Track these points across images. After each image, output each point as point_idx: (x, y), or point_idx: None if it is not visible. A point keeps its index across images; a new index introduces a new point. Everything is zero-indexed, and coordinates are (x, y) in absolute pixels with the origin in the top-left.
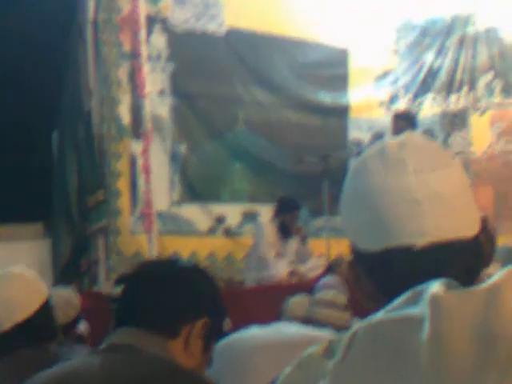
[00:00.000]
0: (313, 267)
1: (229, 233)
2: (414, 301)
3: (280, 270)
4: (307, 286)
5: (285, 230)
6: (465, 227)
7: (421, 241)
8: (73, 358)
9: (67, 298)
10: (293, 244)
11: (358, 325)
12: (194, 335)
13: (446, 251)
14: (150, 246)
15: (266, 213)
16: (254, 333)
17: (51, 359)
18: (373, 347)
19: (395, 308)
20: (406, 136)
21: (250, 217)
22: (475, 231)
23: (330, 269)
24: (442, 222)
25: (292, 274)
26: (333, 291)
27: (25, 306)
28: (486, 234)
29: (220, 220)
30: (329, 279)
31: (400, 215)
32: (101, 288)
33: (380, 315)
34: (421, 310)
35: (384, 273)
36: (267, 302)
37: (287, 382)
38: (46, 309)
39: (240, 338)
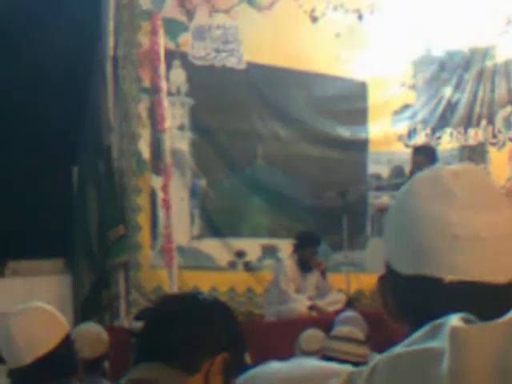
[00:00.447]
0: (332, 302)
1: (248, 267)
2: (433, 334)
3: (300, 304)
4: (327, 321)
5: (304, 265)
6: (500, 272)
7: (450, 277)
8: None
9: (96, 334)
10: (312, 279)
11: (378, 357)
12: (214, 371)
13: (475, 291)
14: (170, 280)
15: (285, 247)
16: (275, 367)
17: None
18: (393, 379)
19: (415, 341)
20: (463, 167)
21: (269, 251)
22: (507, 279)
23: (350, 303)
24: (476, 263)
25: (312, 308)
26: (349, 326)
27: (46, 341)
28: None
29: (240, 255)
30: (348, 314)
31: (436, 246)
32: (121, 323)
33: (400, 348)
34: (440, 343)
35: (408, 297)
36: (287, 337)
37: None
38: (66, 343)
39: (261, 372)
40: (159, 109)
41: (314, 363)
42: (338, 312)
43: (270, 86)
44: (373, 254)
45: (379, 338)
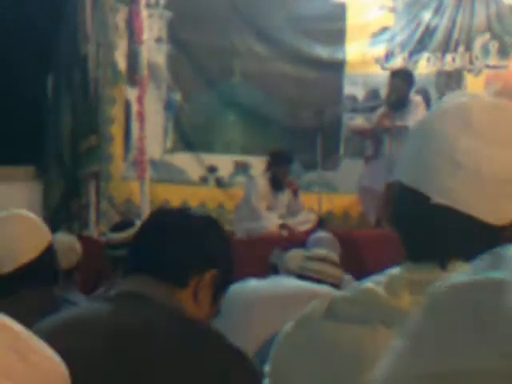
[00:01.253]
0: (303, 221)
1: (220, 183)
2: (496, 265)
3: (271, 222)
4: (297, 240)
5: (276, 183)
6: (489, 212)
7: (439, 199)
8: (77, 302)
9: (70, 244)
10: (284, 197)
11: (436, 286)
12: (202, 286)
13: (458, 222)
14: (141, 192)
15: (258, 165)
16: (254, 285)
17: (54, 302)
18: (457, 309)
19: (476, 271)
20: (495, 102)
21: (241, 168)
22: (501, 222)
23: (321, 223)
24: (467, 195)
25: (282, 227)
26: (324, 248)
27: (29, 248)
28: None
29: (212, 170)
30: (321, 234)
31: (436, 166)
32: (90, 232)
33: (462, 277)
34: (506, 273)
35: (401, 207)
36: (257, 254)
37: (288, 339)
38: (50, 252)
39: (240, 289)
40: (137, 20)
41: (293, 282)
42: (308, 232)
43: (250, 3)
44: (345, 175)
45: (350, 259)
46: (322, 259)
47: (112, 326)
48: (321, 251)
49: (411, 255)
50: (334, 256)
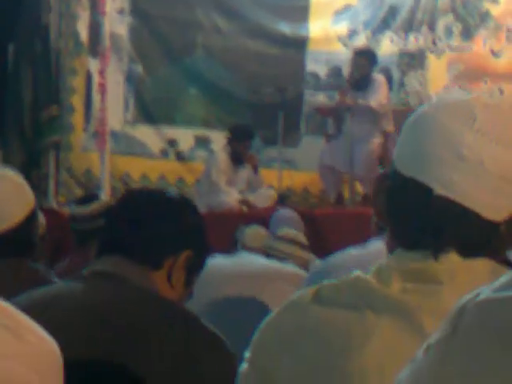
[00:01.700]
0: (263, 197)
1: (180, 157)
2: None
3: (230, 197)
4: (257, 216)
5: (237, 158)
6: (489, 207)
7: (441, 190)
8: (50, 277)
9: None
10: (244, 173)
11: (466, 298)
12: (176, 267)
13: (459, 215)
14: (101, 164)
15: (218, 139)
16: (220, 263)
17: (30, 275)
18: (488, 324)
19: (502, 287)
20: (497, 100)
21: (202, 142)
22: (498, 218)
23: (281, 199)
24: (470, 189)
25: (242, 202)
26: (292, 228)
27: (12, 214)
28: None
29: (172, 143)
30: (285, 212)
31: (439, 159)
32: (50, 203)
33: (492, 292)
34: None
35: (400, 197)
36: (218, 229)
37: (273, 324)
38: (32, 220)
39: (213, 268)
40: None
41: (260, 261)
42: (268, 208)
43: None
44: (305, 153)
45: (311, 237)
46: (292, 240)
47: (84, 306)
48: (290, 232)
49: (404, 244)
50: (303, 238)
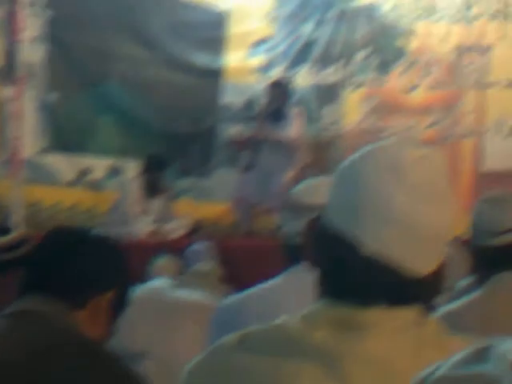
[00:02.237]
0: (176, 227)
1: (93, 186)
2: (481, 358)
3: (143, 227)
4: (170, 246)
5: (151, 188)
6: (419, 264)
7: (368, 247)
8: None
9: None
10: (157, 203)
11: (425, 373)
12: (100, 306)
13: (386, 271)
14: (13, 192)
15: (132, 169)
16: (141, 295)
17: None
18: None
19: (459, 364)
20: (426, 152)
21: (115, 171)
22: (424, 272)
23: (194, 230)
24: (400, 247)
25: (155, 232)
26: (207, 261)
27: None
28: (437, 277)
29: (85, 172)
30: (200, 246)
31: (371, 217)
32: None
33: (446, 370)
34: (495, 368)
35: (328, 248)
36: (129, 259)
37: (198, 368)
38: None
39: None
40: (16, 18)
41: (178, 293)
42: (181, 238)
43: (130, 6)
44: (219, 183)
45: (223, 268)
46: (206, 275)
47: (7, 344)
48: (204, 266)
49: (332, 292)
50: (218, 271)
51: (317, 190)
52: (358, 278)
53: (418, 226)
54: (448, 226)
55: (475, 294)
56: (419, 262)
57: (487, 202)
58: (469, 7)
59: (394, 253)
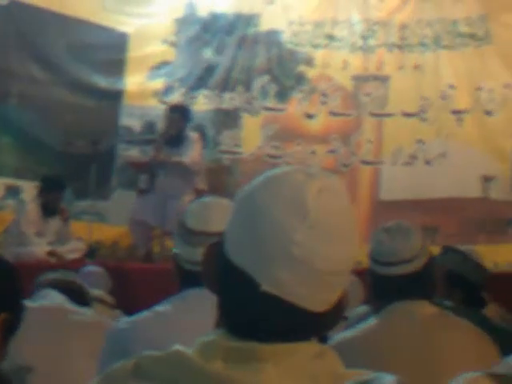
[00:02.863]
0: (72, 249)
1: None
2: None
3: (39, 248)
4: (66, 268)
5: (47, 209)
6: (315, 302)
7: (267, 287)
8: None
9: None
10: (54, 224)
11: None
12: None
13: (282, 309)
14: None
15: (29, 190)
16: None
17: None
18: None
19: None
20: (328, 184)
21: (12, 192)
22: (322, 310)
23: (90, 253)
24: (298, 287)
25: (51, 253)
26: (99, 284)
27: None
28: (336, 310)
29: None
30: (91, 269)
31: (269, 254)
32: None
33: None
34: None
35: (225, 280)
36: (25, 280)
37: None
38: None
39: None
40: None
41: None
42: (77, 260)
43: (31, 27)
44: (117, 206)
45: (119, 291)
46: (96, 299)
47: None
48: (96, 292)
49: (230, 324)
50: (108, 297)
51: (208, 216)
52: (256, 313)
53: (319, 263)
54: (349, 261)
55: (370, 323)
56: (318, 299)
57: (386, 232)
58: (367, 37)
59: (293, 291)
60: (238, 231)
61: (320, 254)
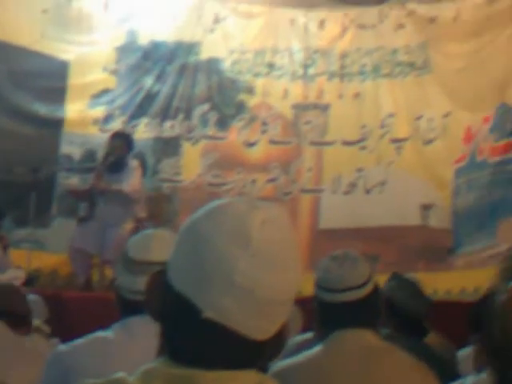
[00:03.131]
0: (11, 278)
1: None
2: None
3: None
4: None
5: None
6: (257, 331)
7: (209, 313)
8: None
9: None
10: None
11: None
12: None
13: (226, 337)
14: None
15: None
16: None
17: None
18: None
19: None
20: (272, 215)
21: None
22: (263, 338)
23: (29, 281)
24: (239, 316)
25: None
26: (37, 319)
27: None
28: (278, 339)
29: None
30: (30, 297)
31: (212, 281)
32: None
33: None
34: None
35: (167, 308)
36: None
37: None
38: None
39: None
40: None
41: None
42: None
43: None
44: (56, 234)
45: (57, 320)
46: (35, 330)
47: None
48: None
49: (173, 352)
50: (45, 327)
51: (150, 247)
52: (197, 340)
53: (261, 292)
54: (292, 291)
55: (313, 351)
56: (260, 328)
57: (333, 260)
58: (307, 66)
59: (235, 318)
60: (181, 259)
61: (262, 283)
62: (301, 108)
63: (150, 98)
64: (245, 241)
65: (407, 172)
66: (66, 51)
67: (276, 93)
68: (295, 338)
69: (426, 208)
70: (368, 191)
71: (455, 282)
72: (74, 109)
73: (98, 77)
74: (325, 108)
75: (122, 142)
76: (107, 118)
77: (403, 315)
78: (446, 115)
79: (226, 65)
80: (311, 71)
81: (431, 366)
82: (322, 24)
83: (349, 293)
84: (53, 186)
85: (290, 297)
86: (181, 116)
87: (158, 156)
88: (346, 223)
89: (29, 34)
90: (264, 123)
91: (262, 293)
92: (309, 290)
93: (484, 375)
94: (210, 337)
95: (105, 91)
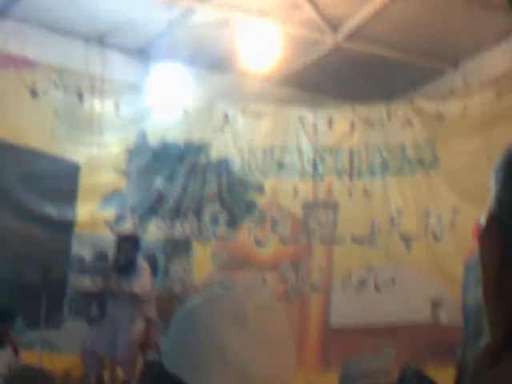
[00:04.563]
0: None
1: None
2: None
3: None
4: None
5: None
6: None
7: None
8: None
9: None
10: (4, 354)
11: None
12: None
13: None
14: None
15: None
16: None
17: None
18: None
19: None
20: (267, 304)
21: None
22: None
23: None
24: None
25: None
26: None
27: None
28: None
29: None
30: None
31: (206, 362)
32: None
33: None
34: None
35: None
36: None
37: None
38: None
39: None
40: None
41: None
42: None
43: None
44: (68, 335)
45: None
46: None
47: None
48: None
49: None
50: None
51: None
52: None
53: (252, 371)
54: (285, 376)
55: None
56: None
57: None
58: (316, 165)
59: None
60: (175, 342)
61: (254, 362)
62: (310, 207)
63: (160, 198)
64: (239, 323)
65: (416, 268)
66: (76, 152)
67: (286, 191)
68: None
69: (437, 304)
70: (377, 288)
71: None
72: (85, 210)
73: (109, 178)
74: (334, 206)
75: (129, 244)
76: (118, 219)
77: None
78: (455, 211)
79: (236, 164)
80: (320, 169)
81: None
82: (330, 122)
83: None
84: (64, 287)
85: (282, 381)
86: (191, 216)
87: (169, 256)
88: (356, 320)
89: (40, 136)
90: (274, 222)
91: (254, 372)
92: None
93: None
94: None
95: (115, 192)
